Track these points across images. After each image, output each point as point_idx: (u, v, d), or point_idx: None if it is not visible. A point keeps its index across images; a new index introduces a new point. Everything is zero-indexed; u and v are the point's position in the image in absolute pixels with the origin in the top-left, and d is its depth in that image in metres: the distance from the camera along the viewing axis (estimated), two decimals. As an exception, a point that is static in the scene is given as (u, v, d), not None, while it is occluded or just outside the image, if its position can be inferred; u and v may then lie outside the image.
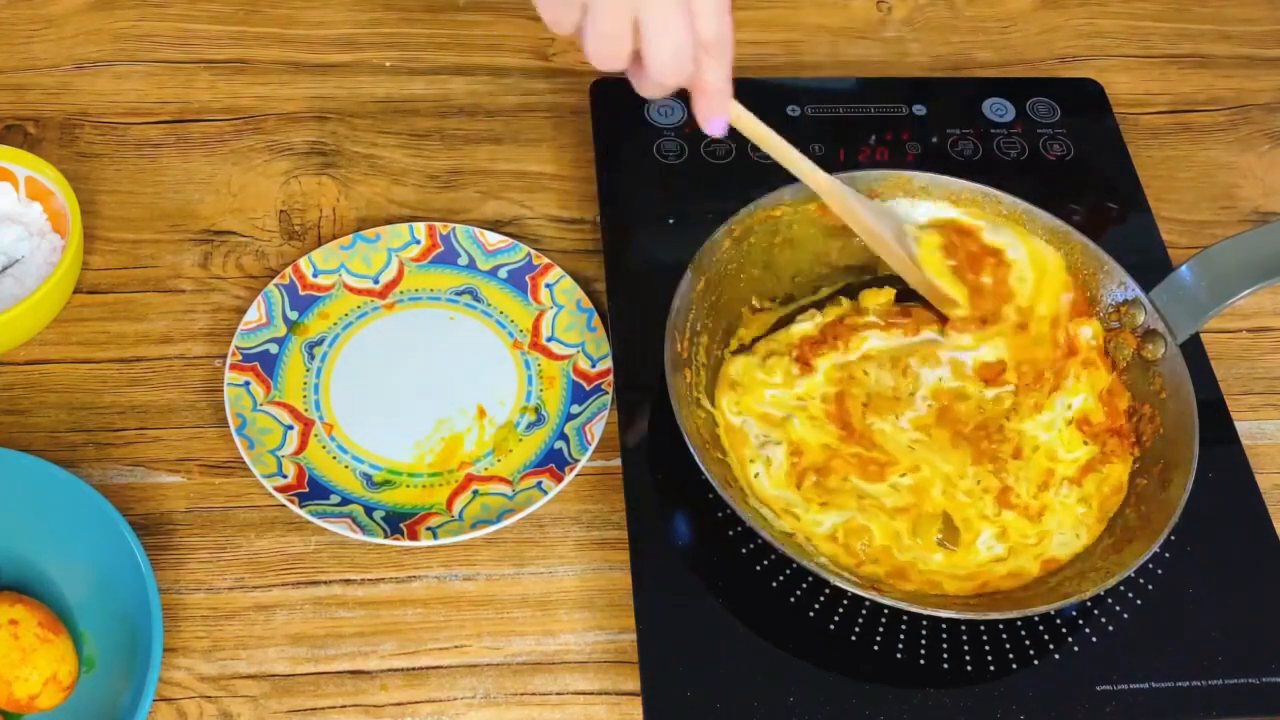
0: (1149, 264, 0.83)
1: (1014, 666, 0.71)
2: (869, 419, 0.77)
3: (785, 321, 0.81)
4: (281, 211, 0.88)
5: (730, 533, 0.74)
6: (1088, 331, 0.79)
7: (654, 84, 0.69)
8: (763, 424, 0.76)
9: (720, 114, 0.71)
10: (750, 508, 0.72)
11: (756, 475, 0.74)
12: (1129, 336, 0.79)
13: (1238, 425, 0.81)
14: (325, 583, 0.74)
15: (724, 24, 0.69)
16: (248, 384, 0.78)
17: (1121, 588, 0.73)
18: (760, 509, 0.73)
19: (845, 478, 0.74)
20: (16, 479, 0.70)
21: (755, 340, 0.80)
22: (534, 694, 0.71)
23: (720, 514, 0.74)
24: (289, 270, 0.83)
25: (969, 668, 0.70)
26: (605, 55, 0.68)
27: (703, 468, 0.70)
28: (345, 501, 0.75)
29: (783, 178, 0.79)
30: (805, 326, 0.80)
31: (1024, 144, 0.93)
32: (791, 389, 0.77)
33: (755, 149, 0.90)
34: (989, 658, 0.71)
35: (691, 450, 0.70)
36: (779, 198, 0.80)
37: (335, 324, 0.83)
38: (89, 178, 0.88)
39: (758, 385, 0.77)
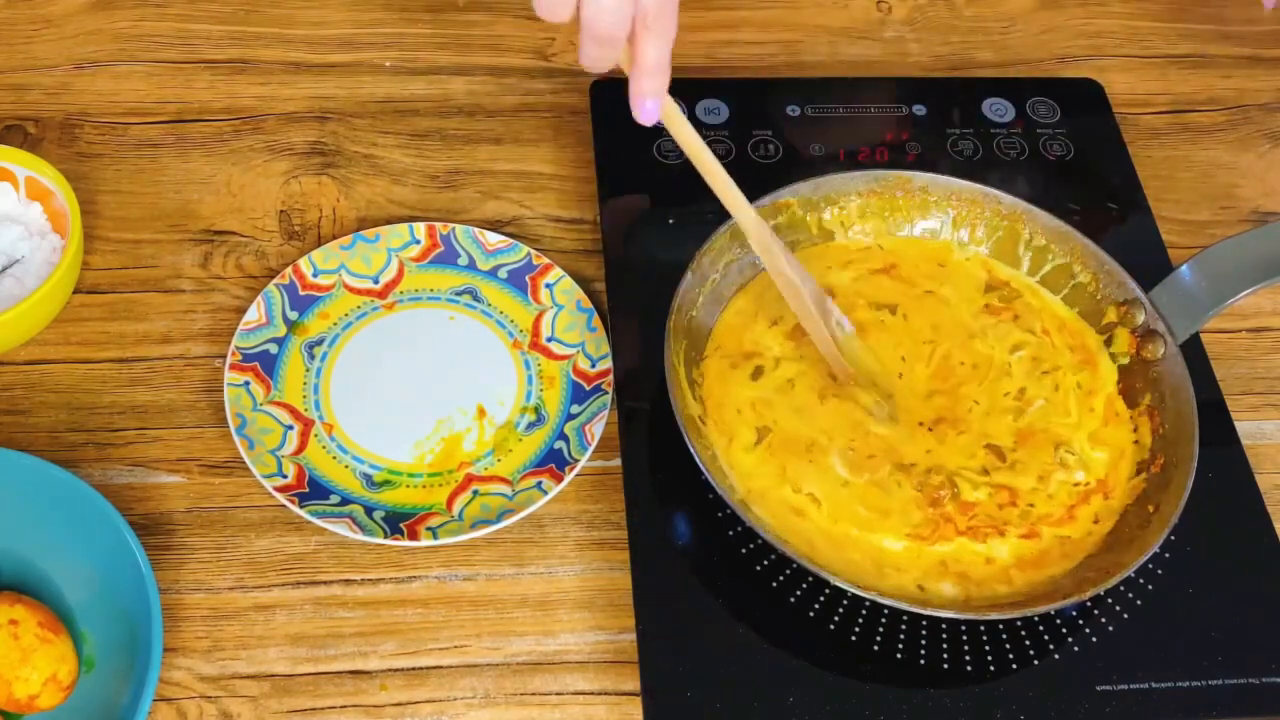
0: (1149, 264, 0.83)
1: (1014, 667, 0.71)
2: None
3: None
4: (281, 211, 0.88)
5: (730, 533, 0.74)
6: None
7: (592, 45, 0.68)
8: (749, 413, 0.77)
9: (654, 96, 0.69)
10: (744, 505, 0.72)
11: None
12: (1128, 336, 0.79)
13: (1238, 425, 0.81)
14: (325, 583, 0.74)
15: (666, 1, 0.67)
16: (248, 384, 0.79)
17: (1121, 588, 0.73)
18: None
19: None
20: (16, 479, 0.70)
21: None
22: (534, 694, 0.71)
23: (720, 514, 0.74)
24: (289, 270, 0.83)
25: (969, 668, 0.70)
26: (549, 8, 0.67)
27: (703, 469, 0.70)
28: (345, 501, 0.75)
29: (785, 179, 0.80)
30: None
31: (1024, 144, 0.93)
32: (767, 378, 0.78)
33: (755, 149, 0.91)
34: (989, 658, 0.71)
35: (694, 454, 0.70)
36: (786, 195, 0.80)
37: (335, 324, 0.83)
38: (89, 178, 0.88)
39: (732, 383, 0.77)
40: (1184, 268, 0.78)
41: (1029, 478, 0.75)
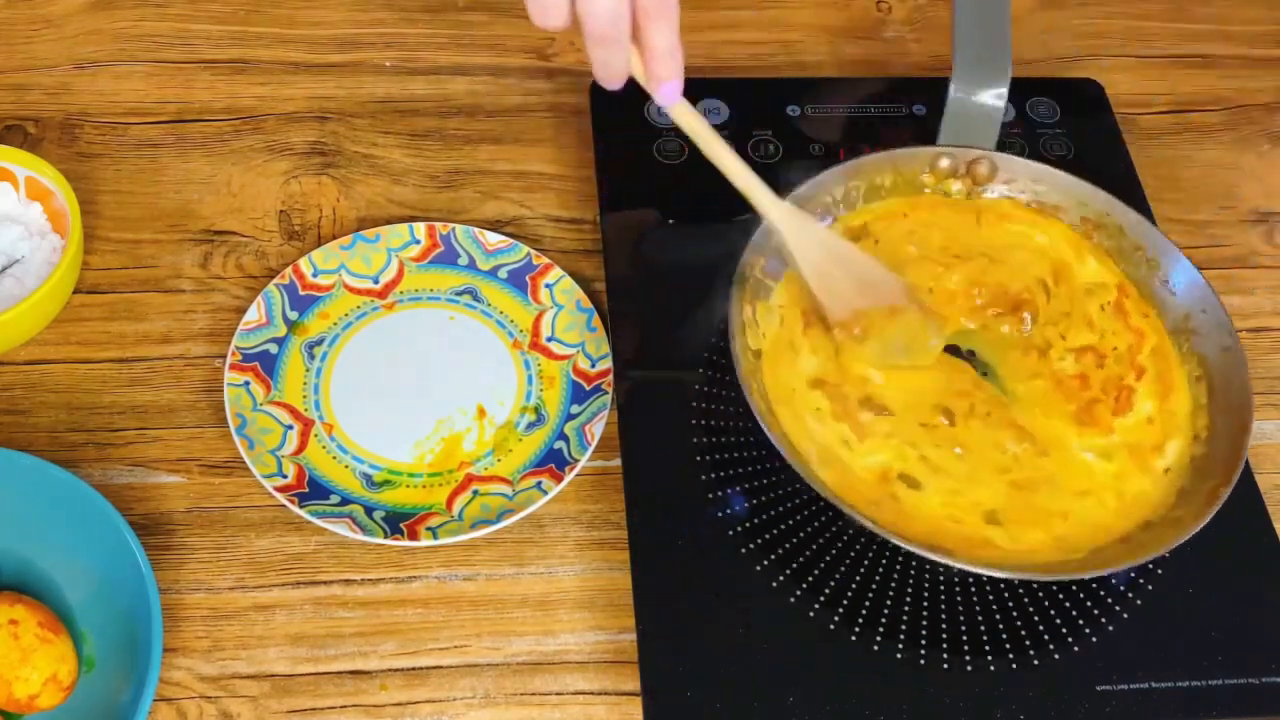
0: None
1: (1014, 667, 0.71)
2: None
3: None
4: (281, 211, 0.88)
5: (730, 533, 0.74)
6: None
7: (596, 48, 0.67)
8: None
9: (671, 78, 0.69)
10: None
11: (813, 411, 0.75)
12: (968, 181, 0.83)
13: (1238, 425, 0.81)
14: (325, 583, 0.74)
15: None
16: (248, 384, 0.79)
17: (1121, 588, 0.73)
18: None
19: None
20: (16, 479, 0.70)
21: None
22: (534, 694, 0.71)
23: (720, 514, 0.74)
24: (289, 270, 0.83)
25: (969, 668, 0.70)
26: (543, 13, 0.66)
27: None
28: (345, 501, 0.75)
29: (785, 179, 0.79)
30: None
31: (1024, 144, 0.93)
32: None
33: (755, 149, 0.91)
34: (989, 658, 0.71)
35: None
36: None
37: (335, 324, 0.83)
38: (89, 178, 0.88)
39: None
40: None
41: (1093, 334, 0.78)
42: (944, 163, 0.83)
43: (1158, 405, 0.77)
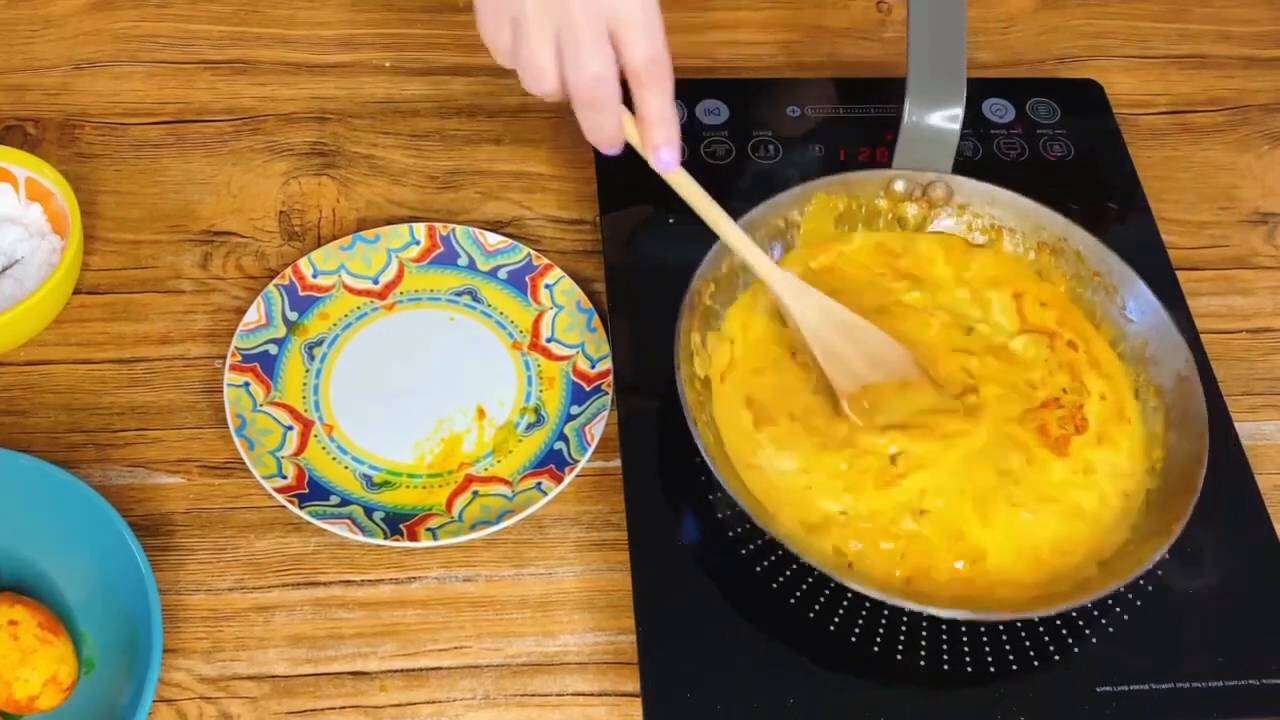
0: (1149, 264, 0.83)
1: (1014, 668, 0.71)
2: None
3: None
4: (281, 212, 0.88)
5: (730, 533, 0.74)
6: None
7: (585, 112, 0.68)
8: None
9: (666, 145, 0.69)
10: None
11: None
12: (924, 205, 0.82)
13: (1237, 426, 0.81)
14: (325, 584, 0.74)
15: (654, 48, 0.66)
16: (247, 385, 0.78)
17: (1121, 588, 0.73)
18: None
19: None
20: (16, 480, 0.70)
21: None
22: (534, 695, 0.71)
23: (720, 515, 0.74)
24: (289, 271, 0.83)
25: (969, 669, 0.70)
26: (533, 80, 0.67)
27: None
28: (345, 502, 0.75)
29: (785, 179, 0.80)
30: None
31: (1024, 144, 0.93)
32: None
33: (755, 149, 0.91)
34: (989, 659, 0.71)
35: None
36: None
37: (335, 325, 0.83)
38: (89, 178, 0.88)
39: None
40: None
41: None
42: (899, 186, 0.82)
43: (1110, 437, 0.76)
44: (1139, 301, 0.79)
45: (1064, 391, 0.77)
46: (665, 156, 0.69)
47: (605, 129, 0.69)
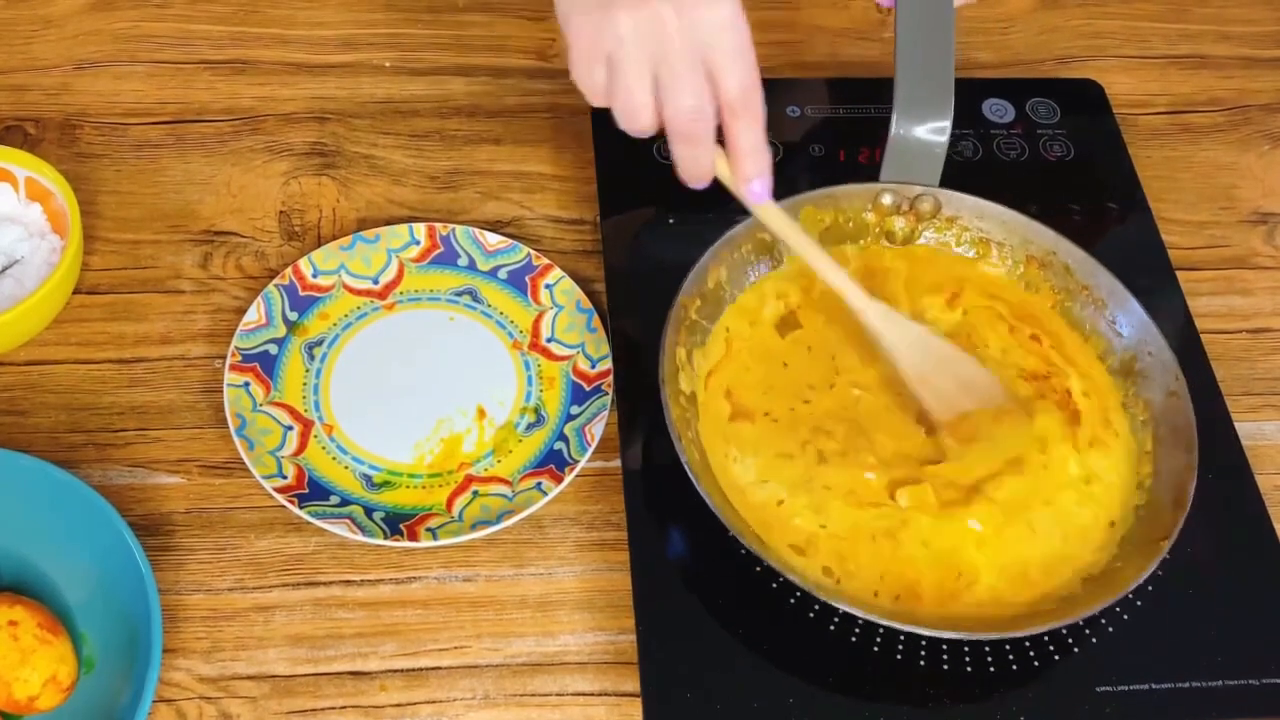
0: (1149, 264, 0.83)
1: (1014, 668, 0.71)
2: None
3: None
4: (281, 212, 0.88)
5: (729, 534, 0.74)
6: None
7: (681, 147, 0.67)
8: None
9: (758, 175, 0.68)
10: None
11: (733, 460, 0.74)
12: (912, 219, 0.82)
13: (1237, 426, 0.81)
14: (325, 584, 0.74)
15: (749, 78, 0.66)
16: (247, 385, 0.78)
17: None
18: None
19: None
20: (16, 479, 0.70)
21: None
22: (534, 695, 0.71)
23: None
24: (289, 271, 0.83)
25: (969, 669, 0.70)
26: (630, 117, 0.67)
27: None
28: (345, 502, 0.75)
29: (785, 179, 0.79)
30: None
31: (1024, 145, 0.93)
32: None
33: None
34: (989, 659, 0.71)
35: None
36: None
37: (335, 325, 0.83)
38: (89, 178, 0.88)
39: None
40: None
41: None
42: (886, 199, 0.82)
43: (1102, 441, 0.76)
44: (1128, 316, 0.78)
45: (1045, 371, 0.78)
46: (758, 188, 0.69)
47: (700, 163, 0.69)
